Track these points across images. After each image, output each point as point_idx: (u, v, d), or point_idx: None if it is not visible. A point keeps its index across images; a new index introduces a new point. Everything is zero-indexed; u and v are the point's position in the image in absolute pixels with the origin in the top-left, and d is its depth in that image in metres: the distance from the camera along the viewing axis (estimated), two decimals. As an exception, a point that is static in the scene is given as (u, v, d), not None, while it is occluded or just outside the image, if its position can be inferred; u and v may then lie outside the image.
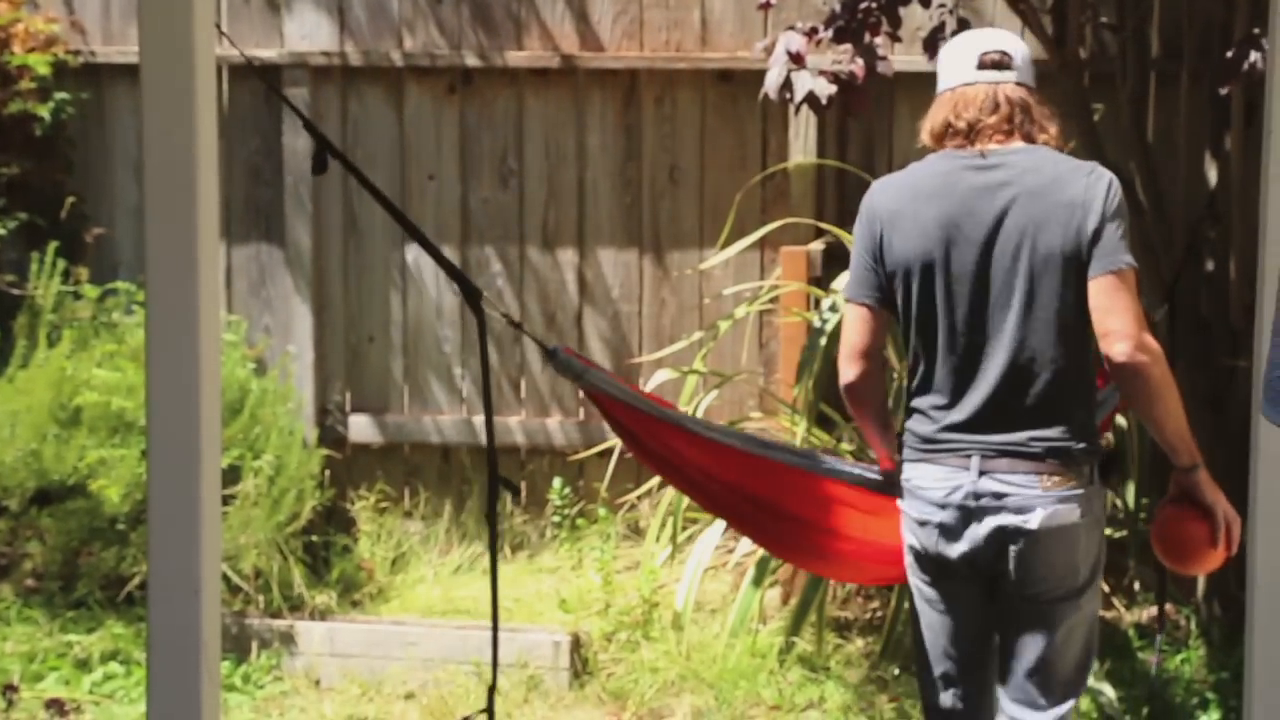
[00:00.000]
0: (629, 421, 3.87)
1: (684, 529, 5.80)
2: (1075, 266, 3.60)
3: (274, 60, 6.52)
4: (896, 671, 5.60)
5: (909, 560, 3.84)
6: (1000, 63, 3.74)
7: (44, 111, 6.58)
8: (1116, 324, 3.57)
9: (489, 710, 3.50)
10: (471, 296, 3.62)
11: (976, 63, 3.74)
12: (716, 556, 5.89)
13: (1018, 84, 3.74)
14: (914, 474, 3.75)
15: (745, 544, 5.85)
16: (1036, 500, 3.63)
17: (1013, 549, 3.66)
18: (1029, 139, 3.72)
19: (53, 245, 6.34)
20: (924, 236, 3.66)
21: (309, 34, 6.63)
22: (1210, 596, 5.78)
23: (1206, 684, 5.53)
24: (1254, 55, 5.04)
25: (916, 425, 3.76)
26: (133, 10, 6.64)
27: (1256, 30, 5.11)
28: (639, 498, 6.32)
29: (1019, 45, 3.81)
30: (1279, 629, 3.26)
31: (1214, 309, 5.78)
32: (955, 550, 3.70)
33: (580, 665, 5.78)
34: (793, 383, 5.83)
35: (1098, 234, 3.59)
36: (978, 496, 3.65)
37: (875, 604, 5.98)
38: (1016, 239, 3.62)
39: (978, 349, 3.67)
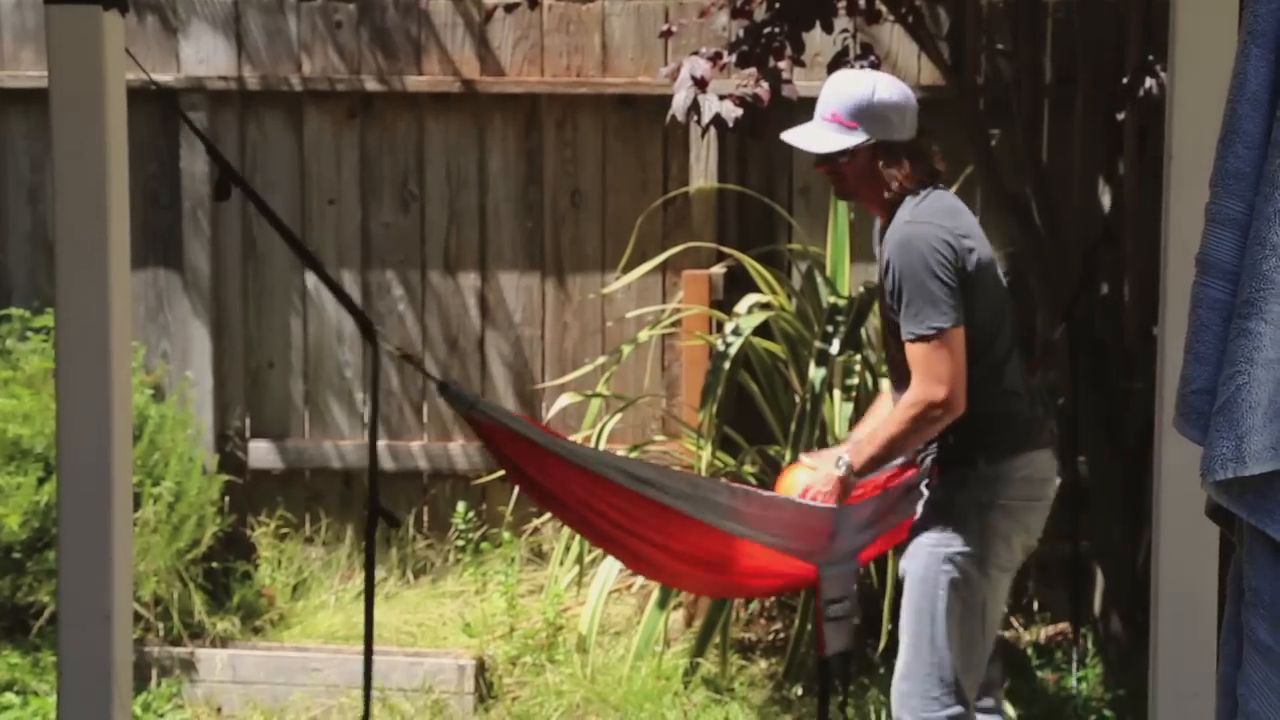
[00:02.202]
0: (516, 455, 3.88)
1: (588, 552, 5.81)
2: None
3: (171, 84, 6.46)
4: (800, 692, 5.64)
5: (1000, 558, 4.10)
6: None
7: (-65, 137, 6.50)
8: None
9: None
10: (366, 327, 3.68)
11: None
12: (620, 579, 5.91)
13: None
14: (1033, 459, 4.11)
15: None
16: None
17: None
18: None
19: (-55, 272, 6.26)
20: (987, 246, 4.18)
21: (206, 58, 6.59)
22: (1107, 615, 5.86)
23: (1104, 701, 5.61)
24: (1149, 82, 5.15)
25: (1017, 418, 4.12)
26: (25, 34, 6.58)
27: (1151, 57, 5.22)
28: (543, 521, 6.33)
29: None
30: (1183, 646, 3.33)
31: (1110, 332, 5.87)
32: (1042, 524, 4.17)
33: (485, 689, 5.77)
34: (697, 406, 5.86)
35: None
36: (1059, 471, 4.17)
37: (778, 625, 6.02)
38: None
39: (1016, 346, 4.19)
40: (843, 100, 4.08)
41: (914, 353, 3.97)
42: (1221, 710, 2.16)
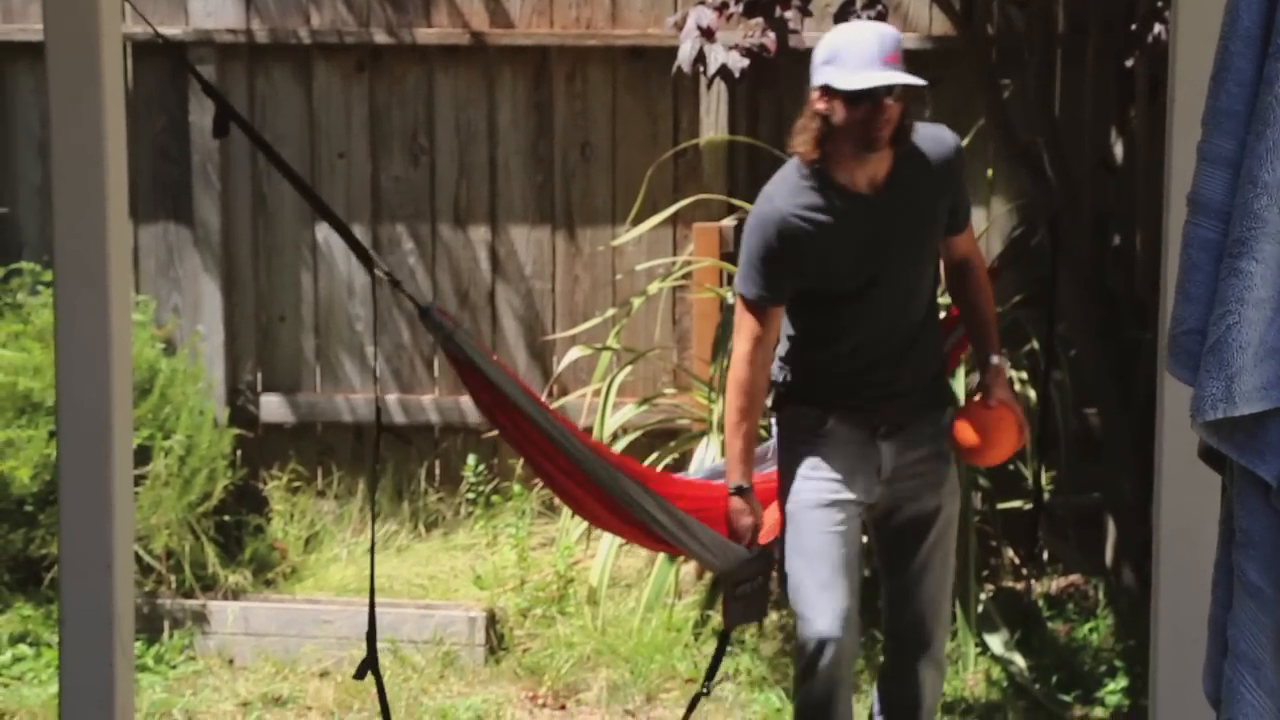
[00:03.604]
0: (483, 396, 3.86)
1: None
2: None
3: (179, 38, 6.43)
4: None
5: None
6: None
7: (-55, 91, 6.49)
8: None
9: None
10: (358, 250, 3.73)
11: None
12: (631, 532, 5.90)
13: None
14: None
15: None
16: None
17: None
18: None
19: (-45, 227, 6.26)
20: None
21: (214, 11, 6.57)
22: (1119, 566, 5.85)
23: (1114, 652, 5.60)
24: (1158, 28, 5.11)
25: None
26: (35, -13, 6.56)
27: (1160, 3, 5.18)
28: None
29: None
30: (1184, 592, 3.31)
31: (1120, 282, 5.84)
32: None
33: (496, 641, 5.78)
34: (708, 359, 5.85)
35: None
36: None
37: (789, 577, 6.00)
38: None
39: None
40: (893, 42, 3.95)
41: (970, 232, 4.25)
42: (1212, 651, 2.15)
